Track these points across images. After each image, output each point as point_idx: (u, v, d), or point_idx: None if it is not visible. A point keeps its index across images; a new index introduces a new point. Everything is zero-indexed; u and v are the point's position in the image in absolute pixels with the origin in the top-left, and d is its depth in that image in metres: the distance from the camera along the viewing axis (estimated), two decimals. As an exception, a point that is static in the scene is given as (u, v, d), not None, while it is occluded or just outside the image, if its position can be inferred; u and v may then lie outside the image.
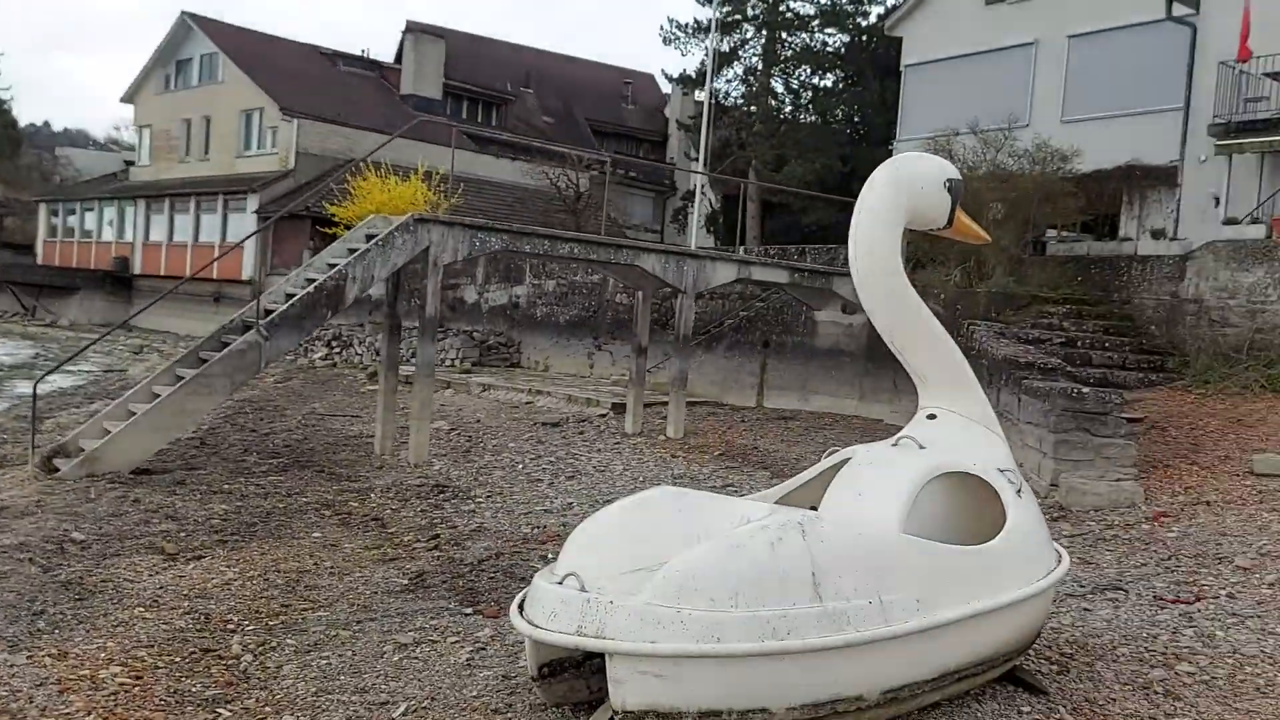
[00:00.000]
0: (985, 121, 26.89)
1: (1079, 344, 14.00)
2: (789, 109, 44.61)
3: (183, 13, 40.23)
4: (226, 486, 10.55)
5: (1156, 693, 5.42)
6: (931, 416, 6.04)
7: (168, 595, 6.83)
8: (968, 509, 5.84)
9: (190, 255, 37.81)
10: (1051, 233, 17.93)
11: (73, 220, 44.62)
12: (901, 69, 31.18)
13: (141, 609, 6.51)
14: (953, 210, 5.99)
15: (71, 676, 5.29)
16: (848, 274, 16.93)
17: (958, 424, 5.96)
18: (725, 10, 43.15)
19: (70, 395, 19.75)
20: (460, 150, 38.47)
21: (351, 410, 17.69)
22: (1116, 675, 5.67)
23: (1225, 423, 12.13)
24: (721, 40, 43.69)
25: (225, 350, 11.37)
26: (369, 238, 12.86)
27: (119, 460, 10.70)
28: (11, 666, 5.35)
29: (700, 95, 47.20)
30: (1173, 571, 7.86)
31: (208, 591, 6.99)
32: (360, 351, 26.31)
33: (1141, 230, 22.48)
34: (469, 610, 6.76)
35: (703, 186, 44.82)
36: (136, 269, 40.35)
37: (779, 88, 44.87)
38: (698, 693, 4.38)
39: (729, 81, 45.01)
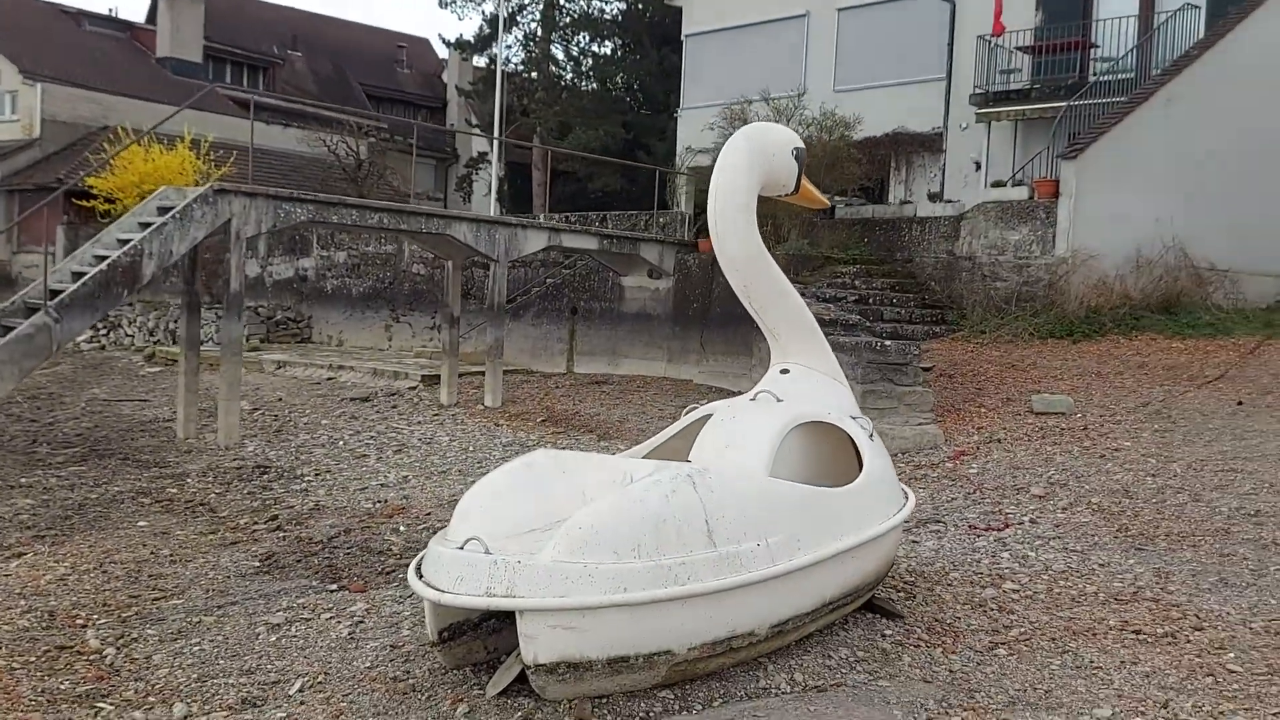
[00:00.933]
0: (765, 90, 28.05)
1: (870, 300, 14.99)
2: (570, 76, 44.80)
3: (-104, -38, 35.98)
4: (24, 480, 9.82)
5: (992, 609, 6.04)
6: (785, 371, 6.44)
7: (-2, 595, 6.37)
8: (822, 455, 6.29)
9: (-81, 232, 34.14)
10: (839, 198, 18.99)
11: None
12: (682, 38, 31.90)
13: (-27, 612, 6.06)
14: (799, 177, 6.37)
15: (-81, 687, 4.90)
16: (654, 240, 17.48)
17: (809, 377, 6.38)
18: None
19: None
20: (227, 116, 36.54)
21: (137, 395, 16.66)
22: (955, 596, 6.28)
23: (1002, 368, 13.36)
24: (500, 4, 43.31)
25: (10, 335, 10.50)
26: (162, 210, 12.15)
27: (-106, 458, 9.74)
28: None
29: (480, 60, 46.68)
30: (979, 504, 8.68)
31: (43, 588, 6.56)
32: (131, 332, 24.67)
33: (909, 193, 24.14)
34: (333, 587, 6.67)
35: (491, 153, 44.48)
36: None
37: (559, 54, 44.92)
38: (606, 641, 4.57)
39: (509, 47, 44.68)
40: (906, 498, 6.15)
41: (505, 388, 15.87)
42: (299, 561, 7.27)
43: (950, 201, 17.53)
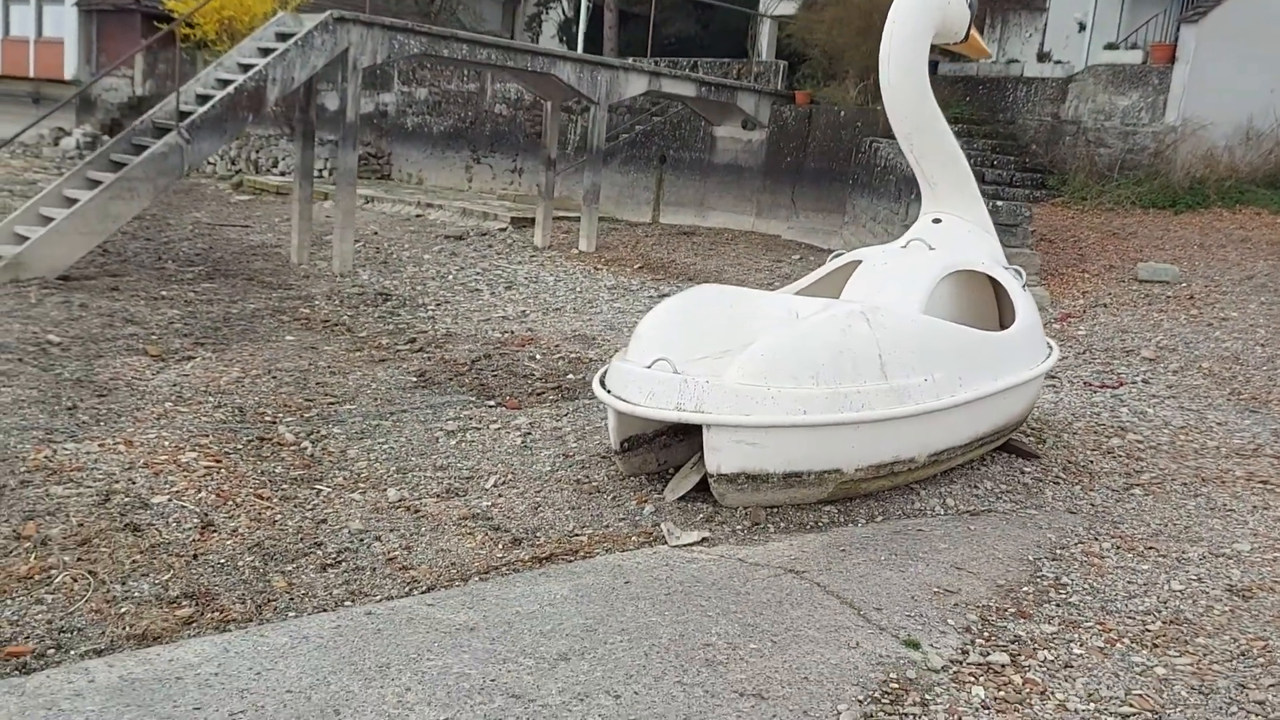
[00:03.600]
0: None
1: (971, 161, 14.83)
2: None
3: None
4: (164, 293, 10.34)
5: (1120, 455, 6.38)
6: (937, 221, 6.65)
7: (187, 391, 6.90)
8: (966, 303, 6.55)
9: (0, 51, 34.42)
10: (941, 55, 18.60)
11: None
12: (774, -121, 30.60)
13: (170, 404, 6.59)
14: (970, 26, 6.43)
15: (154, 461, 5.44)
16: (751, 89, 17.36)
17: (962, 227, 6.59)
18: None
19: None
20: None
21: (234, 220, 17.14)
22: (1082, 444, 6.62)
23: (1104, 235, 13.38)
24: None
25: (145, 153, 10.89)
26: (279, 36, 12.32)
27: (43, 266, 10.29)
28: (88, 454, 5.45)
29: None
30: (1090, 363, 8.94)
31: (224, 388, 7.09)
32: (213, 160, 25.07)
33: (1002, 52, 23.45)
34: (491, 403, 7.13)
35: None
36: (-62, 66, 36.45)
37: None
38: (783, 457, 4.97)
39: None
40: (1051, 349, 6.42)
41: (596, 234, 16.14)
42: (451, 380, 7.74)
43: (1060, 63, 17.09)
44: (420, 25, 13.41)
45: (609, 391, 5.26)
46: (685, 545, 4.63)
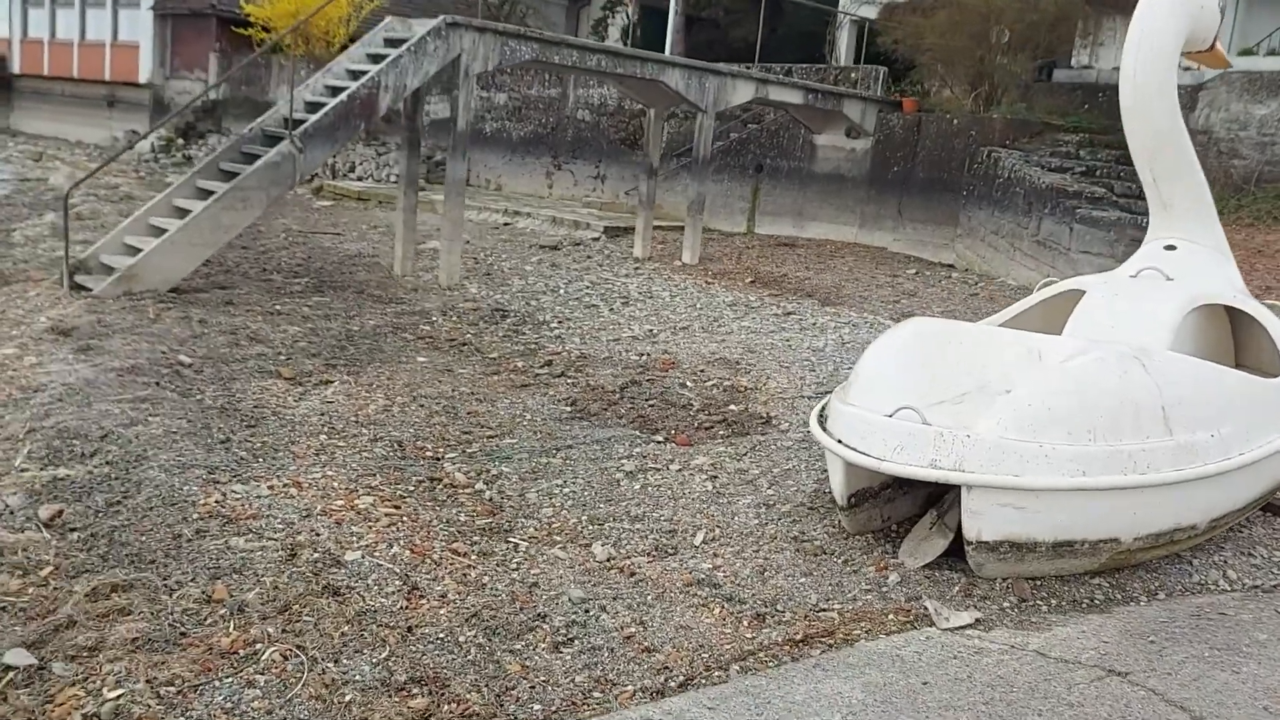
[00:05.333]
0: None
1: (1098, 173, 14.16)
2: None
3: None
4: (277, 308, 9.93)
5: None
6: (1170, 248, 6.00)
7: (337, 422, 6.44)
8: (1205, 339, 5.89)
9: (76, 54, 34.59)
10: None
11: (-69, 10, 40.05)
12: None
13: (324, 437, 6.13)
14: (1217, 32, 5.80)
15: (331, 508, 4.95)
16: (857, 96, 16.72)
17: (1201, 254, 5.95)
18: None
19: (-2, 206, 18.11)
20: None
21: (323, 227, 16.81)
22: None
23: (1246, 253, 12.56)
24: None
25: (259, 162, 10.50)
26: (388, 42, 11.91)
27: (156, 278, 9.93)
28: (260, 498, 4.98)
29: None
30: None
31: (373, 418, 6.61)
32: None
33: (1094, 58, 22.59)
34: (659, 439, 6.59)
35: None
36: (15, 68, 36.77)
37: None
38: (1055, 524, 4.37)
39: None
40: None
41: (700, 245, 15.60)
42: (606, 410, 7.21)
43: (1188, 69, 16.29)
44: (532, 31, 12.98)
45: (839, 441, 4.68)
46: (957, 628, 4.04)
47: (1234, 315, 6.09)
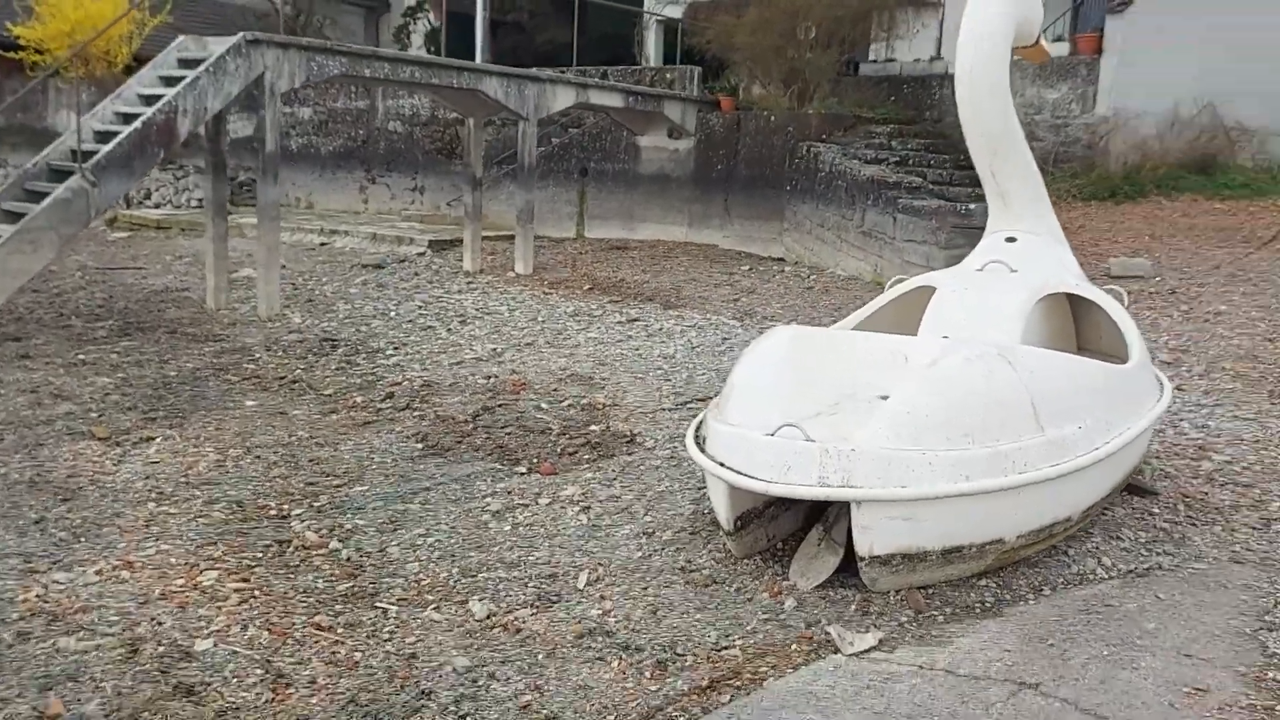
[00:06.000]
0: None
1: (910, 162, 14.62)
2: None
3: None
4: (81, 358, 9.08)
5: (1224, 482, 5.95)
6: (1011, 240, 6.11)
7: (165, 485, 5.85)
8: (1049, 327, 6.03)
9: None
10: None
11: None
12: (652, -120, 30.16)
13: (153, 504, 5.54)
14: (1041, 29, 5.93)
15: (171, 590, 4.44)
16: (677, 98, 16.74)
17: (1040, 245, 6.08)
18: None
19: None
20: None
21: (123, 262, 15.66)
22: (1178, 470, 6.16)
23: (1055, 232, 13.20)
24: None
25: (47, 200, 9.56)
26: (183, 62, 11.10)
27: (-63, 334, 8.91)
28: (87, 586, 4.41)
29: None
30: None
31: (205, 476, 6.05)
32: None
33: (891, 51, 23.43)
34: (522, 470, 6.28)
35: (420, 2, 42.09)
36: None
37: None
38: (944, 531, 4.33)
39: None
40: (1161, 380, 5.91)
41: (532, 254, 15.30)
42: (460, 443, 6.83)
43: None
44: (340, 45, 12.36)
45: (721, 464, 4.51)
46: (862, 652, 3.93)
47: (1074, 301, 6.27)
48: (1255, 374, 8.24)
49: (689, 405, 7.60)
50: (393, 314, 11.59)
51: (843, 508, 4.49)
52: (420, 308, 11.97)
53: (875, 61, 18.15)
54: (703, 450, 4.72)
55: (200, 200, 21.98)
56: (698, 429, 5.04)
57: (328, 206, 22.63)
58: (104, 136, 10.26)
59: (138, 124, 10.07)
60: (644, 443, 6.73)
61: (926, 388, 4.48)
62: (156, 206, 22.23)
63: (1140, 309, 10.24)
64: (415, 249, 16.58)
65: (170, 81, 10.74)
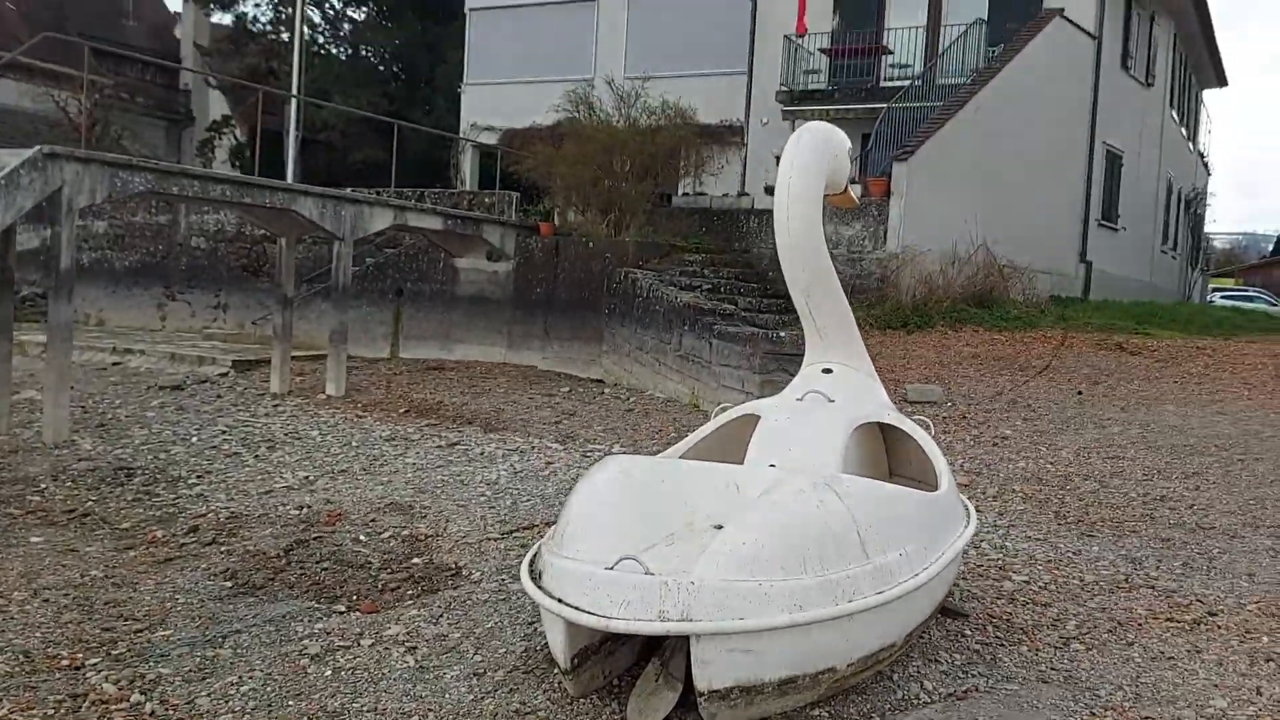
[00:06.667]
0: (550, 72, 27.80)
1: (722, 290, 15.25)
2: (323, 41, 42.81)
3: None
4: None
5: (1024, 600, 6.31)
6: (827, 371, 6.42)
7: (-65, 640, 5.26)
8: (863, 454, 6.32)
9: None
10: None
11: None
12: (466, 11, 31.22)
13: (-79, 662, 4.97)
14: (849, 178, 6.37)
15: (-56, 765, 3.96)
16: (496, 221, 16.98)
17: (854, 377, 6.42)
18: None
19: None
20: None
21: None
22: (983, 590, 6.51)
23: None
24: (251, -41, 40.53)
25: None
26: (-28, 173, 10.47)
27: None
28: None
29: (224, 18, 43.51)
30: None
31: (-17, 627, 5.48)
32: None
33: (699, 185, 24.73)
34: (341, 609, 5.99)
35: (227, 117, 41.36)
36: None
37: (315, 17, 42.65)
38: (780, 662, 4.38)
39: (256, 5, 42.15)
40: (967, 505, 6.24)
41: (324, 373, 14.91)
42: (271, 580, 6.48)
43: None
44: (146, 160, 11.99)
45: (559, 600, 4.45)
46: (704, 790, 3.89)
47: (885, 429, 6.62)
48: (1041, 495, 8.87)
49: (514, 534, 7.50)
50: (194, 439, 11.00)
51: (680, 641, 4.49)
52: (224, 432, 11.42)
53: (687, 195, 19.03)
54: (538, 585, 4.64)
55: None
56: (532, 562, 4.97)
57: (121, 323, 21.58)
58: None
59: (-86, 237, 9.36)
60: (470, 575, 6.57)
61: (760, 518, 4.59)
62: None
63: (937, 432, 10.89)
64: (218, 369, 15.93)
65: (-48, 192, 10.09)
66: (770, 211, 17.03)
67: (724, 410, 6.57)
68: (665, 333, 13.57)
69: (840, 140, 6.36)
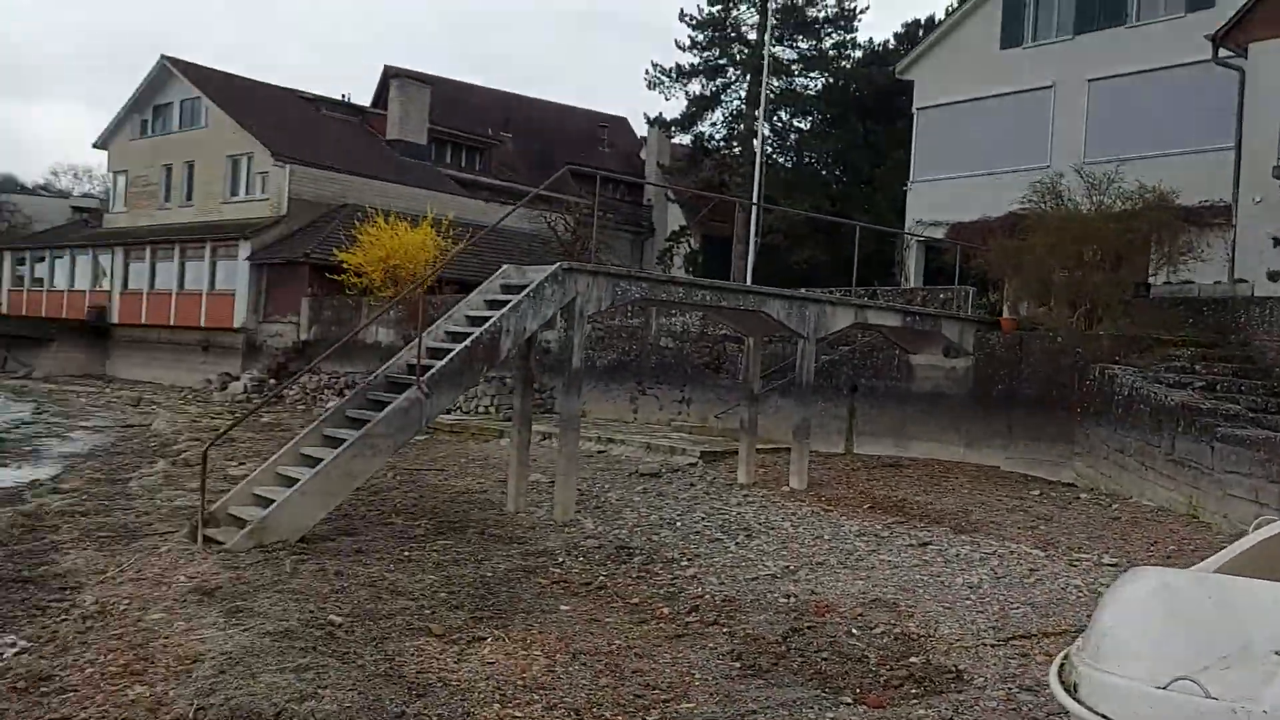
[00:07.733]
0: (1001, 163, 27.14)
1: (1219, 388, 13.82)
2: (770, 151, 45.02)
3: (163, 57, 39.01)
4: (406, 554, 9.76)
5: None
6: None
7: (505, 687, 6.09)
8: None
9: (174, 303, 36.33)
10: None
11: (41, 269, 42.74)
12: (914, 111, 31.43)
13: (498, 705, 5.78)
14: None
15: (535, 800, 4.57)
16: (954, 317, 16.77)
17: None
18: (708, 55, 43.58)
19: (105, 457, 18.43)
20: (450, 195, 37.89)
21: (423, 463, 16.86)
22: None
23: None
24: (706, 84, 44.01)
25: (388, 409, 10.61)
26: (505, 288, 12.27)
27: (287, 529, 9.87)
28: (458, 790, 4.61)
29: (683, 138, 47.37)
30: None
31: (540, 681, 6.26)
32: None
33: (1173, 272, 22.62)
34: (848, 700, 6.14)
35: (683, 227, 44.67)
36: (114, 318, 38.69)
37: (765, 130, 45.19)
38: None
39: (712, 125, 45.45)
40: None
41: (786, 466, 15.35)
42: (775, 664, 6.78)
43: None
44: (640, 272, 13.35)
45: (1104, 716, 4.23)
46: None
47: None
48: None
49: (1012, 642, 7.24)
50: (678, 524, 11.84)
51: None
52: (703, 518, 12.18)
53: (1169, 284, 17.60)
54: (1075, 698, 4.46)
55: (487, 406, 23.70)
56: (1060, 669, 4.79)
57: (600, 415, 23.79)
58: (437, 353, 11.35)
59: (467, 343, 11.11)
60: (973, 680, 6.44)
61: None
62: (448, 412, 24.03)
63: None
64: (688, 459, 17.02)
65: (495, 305, 11.86)
66: (1274, 299, 15.32)
67: (1267, 523, 5.94)
68: (1152, 435, 12.51)
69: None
